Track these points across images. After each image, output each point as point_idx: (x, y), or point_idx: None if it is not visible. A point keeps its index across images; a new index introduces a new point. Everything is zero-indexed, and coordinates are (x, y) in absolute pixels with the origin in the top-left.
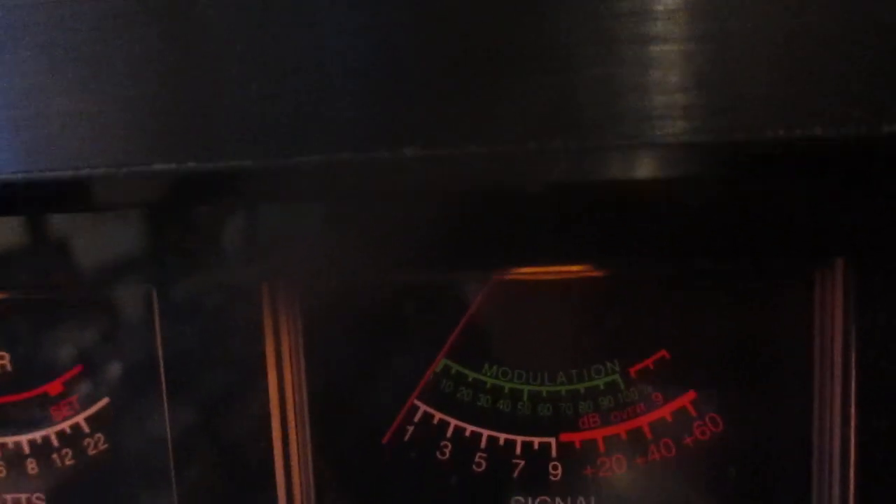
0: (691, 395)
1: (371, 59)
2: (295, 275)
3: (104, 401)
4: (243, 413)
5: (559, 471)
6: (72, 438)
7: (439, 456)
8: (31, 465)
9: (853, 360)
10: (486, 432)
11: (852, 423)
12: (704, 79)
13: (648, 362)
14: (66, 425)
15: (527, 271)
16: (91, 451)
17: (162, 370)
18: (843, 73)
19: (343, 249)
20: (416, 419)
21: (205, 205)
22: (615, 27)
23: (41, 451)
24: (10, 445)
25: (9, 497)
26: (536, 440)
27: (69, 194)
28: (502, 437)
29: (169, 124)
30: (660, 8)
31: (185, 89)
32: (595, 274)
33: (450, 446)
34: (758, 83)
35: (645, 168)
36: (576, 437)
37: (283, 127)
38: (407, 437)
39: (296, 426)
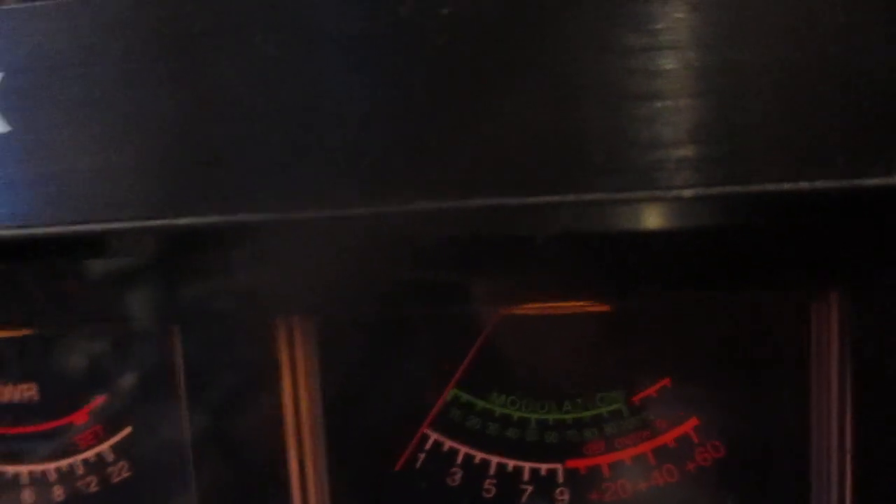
0: (693, 421)
1: (374, 113)
2: (308, 310)
3: (127, 430)
4: (261, 445)
5: (566, 496)
6: (96, 466)
7: (450, 483)
8: (58, 492)
9: (849, 388)
10: (494, 459)
11: (848, 451)
12: (703, 132)
13: (651, 390)
14: (90, 453)
15: (534, 306)
16: (115, 479)
17: (183, 401)
18: (834, 127)
19: (356, 284)
20: (427, 447)
21: (218, 258)
22: (617, 81)
23: (67, 478)
24: (38, 473)
25: None
26: (544, 466)
27: (91, 246)
28: (511, 463)
29: (189, 179)
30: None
31: (196, 146)
32: (600, 308)
33: (460, 473)
34: (756, 136)
35: (645, 220)
36: (582, 464)
37: (299, 180)
38: (418, 465)
39: (312, 458)
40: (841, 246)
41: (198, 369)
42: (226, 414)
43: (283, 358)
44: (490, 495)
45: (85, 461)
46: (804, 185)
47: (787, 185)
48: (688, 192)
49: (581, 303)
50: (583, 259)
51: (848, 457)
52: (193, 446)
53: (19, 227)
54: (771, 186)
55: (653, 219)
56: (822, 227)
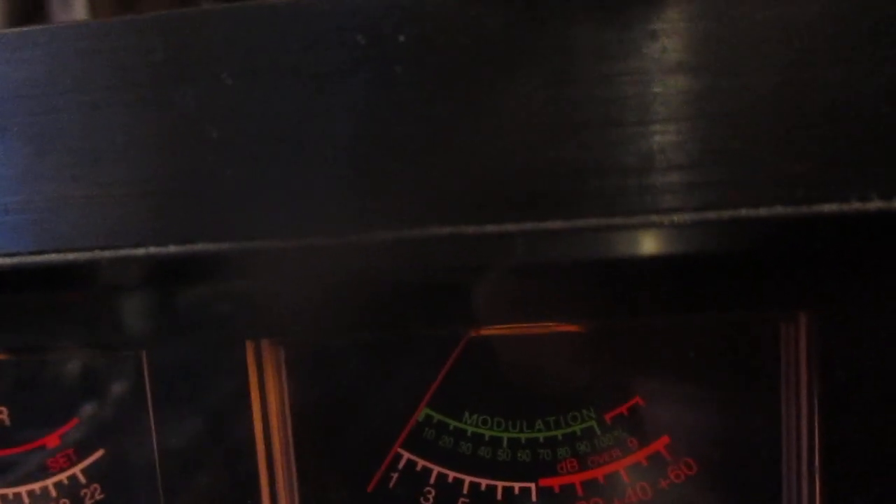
0: (665, 439)
1: (344, 144)
2: (278, 333)
3: (99, 452)
4: (232, 467)
5: None
6: (69, 489)
7: (423, 502)
8: None
9: (817, 408)
10: (468, 478)
11: (818, 469)
12: (665, 160)
13: (623, 409)
14: (63, 476)
15: (505, 326)
16: (88, 502)
17: (154, 424)
18: (794, 155)
19: (326, 306)
20: (400, 467)
21: (185, 284)
22: (578, 108)
23: (40, 501)
24: (10, 497)
25: None
26: (517, 485)
27: (55, 276)
28: (484, 482)
29: (150, 209)
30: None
31: (165, 175)
32: (571, 328)
33: (433, 492)
34: (719, 164)
35: (612, 247)
36: (555, 482)
37: (260, 210)
38: (391, 485)
39: (283, 479)
40: (808, 268)
41: (168, 393)
42: (197, 437)
43: (253, 380)
44: None
45: (57, 484)
46: (763, 211)
47: (745, 212)
48: (655, 219)
49: (552, 323)
50: (553, 284)
51: (817, 476)
52: (164, 469)
53: None
54: (729, 213)
55: (620, 245)
56: (788, 251)
